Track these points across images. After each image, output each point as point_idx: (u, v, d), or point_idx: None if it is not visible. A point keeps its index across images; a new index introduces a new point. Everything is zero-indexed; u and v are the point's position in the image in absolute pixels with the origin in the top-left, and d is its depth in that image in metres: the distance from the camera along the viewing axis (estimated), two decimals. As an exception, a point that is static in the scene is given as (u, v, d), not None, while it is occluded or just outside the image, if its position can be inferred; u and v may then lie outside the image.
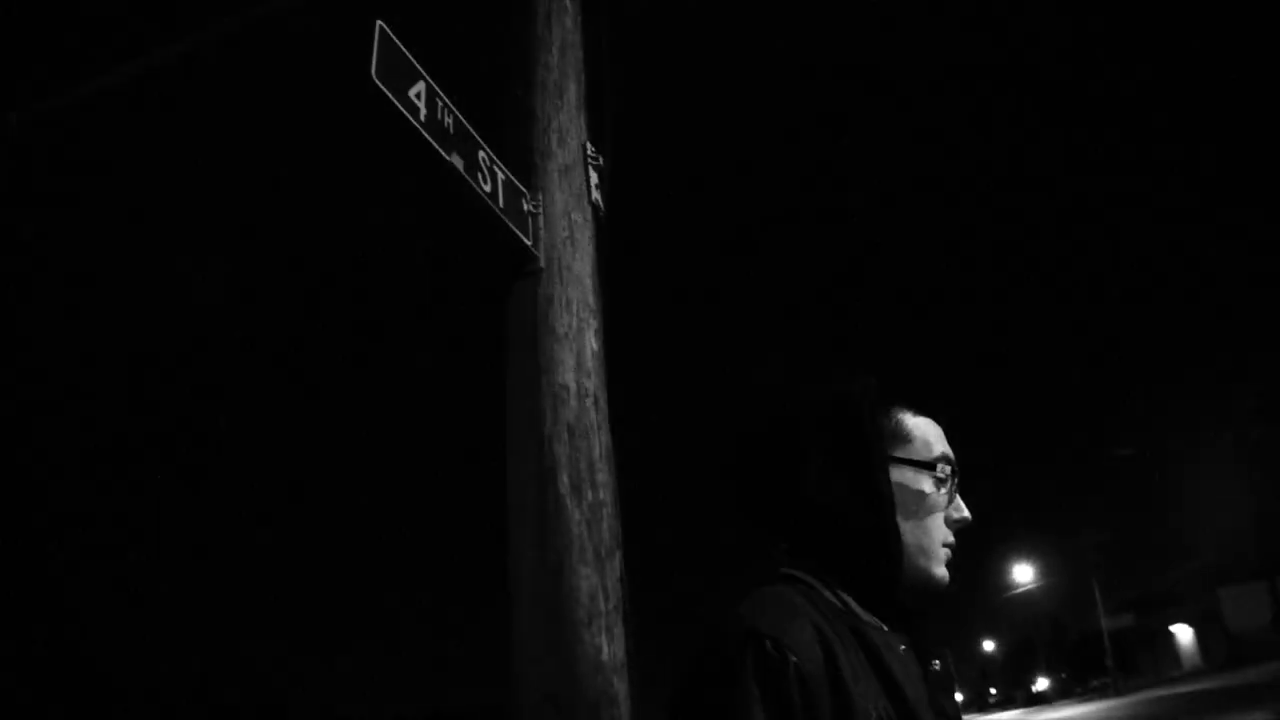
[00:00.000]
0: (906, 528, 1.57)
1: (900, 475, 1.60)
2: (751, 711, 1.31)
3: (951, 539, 1.65)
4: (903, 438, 1.65)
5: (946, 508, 1.64)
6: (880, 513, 1.55)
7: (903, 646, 1.56)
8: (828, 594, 1.54)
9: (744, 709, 1.32)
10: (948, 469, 1.65)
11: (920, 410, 1.71)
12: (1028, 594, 67.17)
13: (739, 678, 1.34)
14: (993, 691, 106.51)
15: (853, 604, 1.55)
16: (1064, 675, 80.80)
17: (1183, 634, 61.50)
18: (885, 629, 1.55)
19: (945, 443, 1.69)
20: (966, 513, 1.66)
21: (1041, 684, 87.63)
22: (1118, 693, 53.40)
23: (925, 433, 1.67)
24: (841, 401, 1.64)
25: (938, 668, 1.66)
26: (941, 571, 1.62)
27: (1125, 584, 64.01)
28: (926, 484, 1.62)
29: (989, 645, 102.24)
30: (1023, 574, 65.52)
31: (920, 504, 1.61)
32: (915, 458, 1.63)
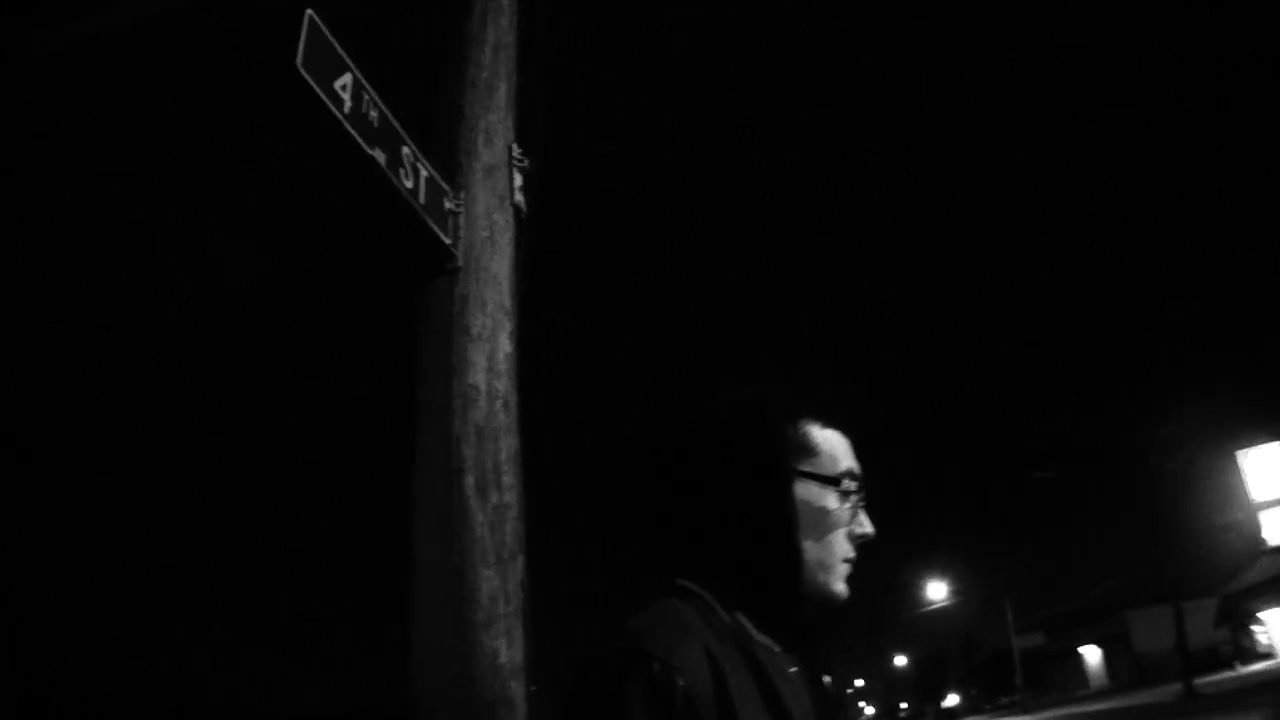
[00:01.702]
0: (808, 542, 1.55)
1: (804, 490, 1.57)
2: None
3: (852, 554, 1.62)
4: (809, 450, 1.61)
5: (849, 523, 1.62)
6: (782, 527, 1.54)
7: (793, 669, 1.55)
8: (721, 610, 1.52)
9: None
10: (853, 484, 1.63)
11: (830, 423, 1.68)
12: (941, 611, 67.84)
13: (625, 699, 1.33)
14: (903, 706, 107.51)
15: (746, 622, 1.53)
16: (974, 692, 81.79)
17: (1091, 654, 62.61)
18: (776, 650, 1.55)
19: (852, 457, 1.66)
20: (869, 528, 1.64)
21: (952, 699, 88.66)
22: (1025, 710, 54.22)
23: (833, 446, 1.64)
24: (749, 410, 1.63)
25: (828, 686, 1.66)
26: (840, 587, 1.60)
27: (1037, 604, 64.98)
28: (830, 499, 1.59)
29: (901, 660, 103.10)
30: (936, 591, 66.17)
31: (823, 519, 1.58)
32: (820, 472, 1.60)
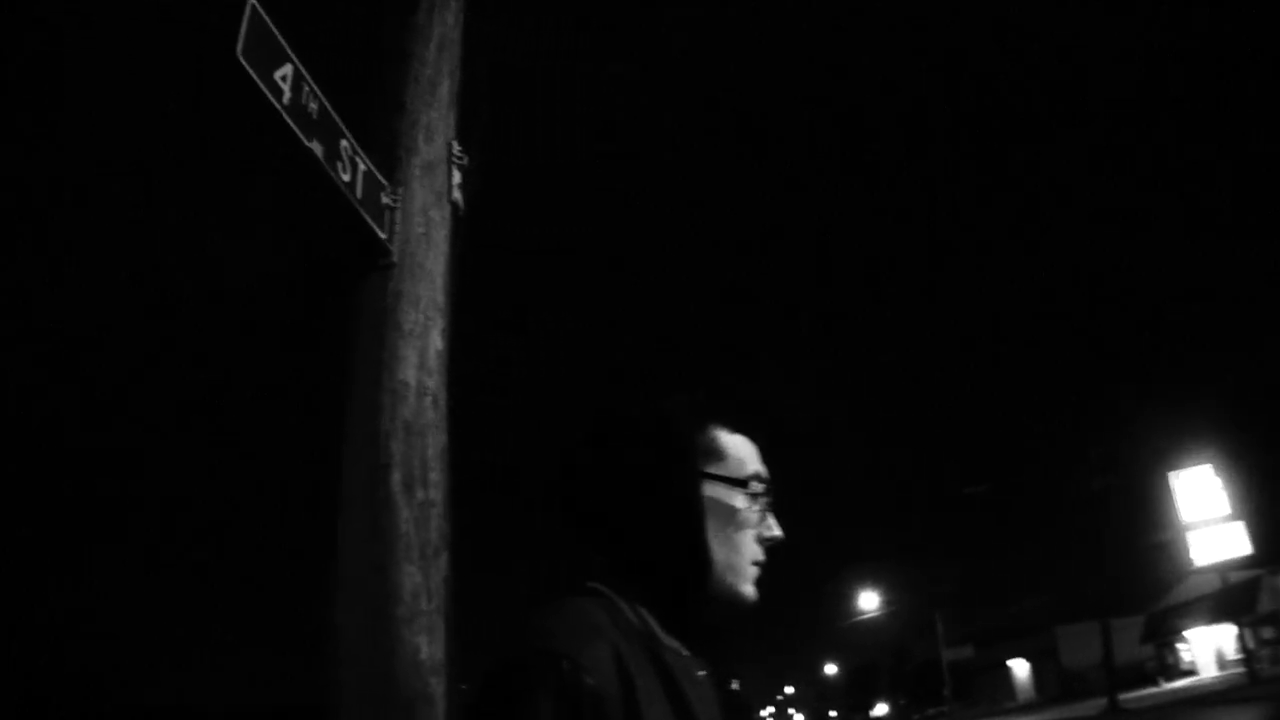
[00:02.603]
0: (716, 543, 1.58)
1: (712, 491, 1.60)
2: None
3: (761, 557, 1.65)
4: (717, 454, 1.64)
5: (758, 525, 1.65)
6: (689, 526, 1.57)
7: (701, 672, 1.57)
8: (629, 612, 1.54)
9: None
10: (760, 487, 1.66)
11: (737, 428, 1.71)
12: (873, 620, 68.40)
13: (533, 696, 1.34)
14: (832, 714, 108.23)
15: (654, 624, 1.55)
16: (902, 701, 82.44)
17: (1019, 668, 63.44)
18: (685, 653, 1.57)
19: (760, 462, 1.70)
20: (778, 531, 1.67)
21: (880, 709, 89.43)
22: (952, 721, 54.87)
23: (739, 450, 1.68)
24: (660, 417, 1.66)
25: (736, 689, 1.68)
26: (749, 589, 1.62)
27: (967, 617, 65.58)
28: (738, 500, 1.62)
29: (831, 668, 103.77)
30: (869, 601, 66.71)
31: (731, 520, 1.61)
32: (728, 474, 1.64)
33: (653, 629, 1.54)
